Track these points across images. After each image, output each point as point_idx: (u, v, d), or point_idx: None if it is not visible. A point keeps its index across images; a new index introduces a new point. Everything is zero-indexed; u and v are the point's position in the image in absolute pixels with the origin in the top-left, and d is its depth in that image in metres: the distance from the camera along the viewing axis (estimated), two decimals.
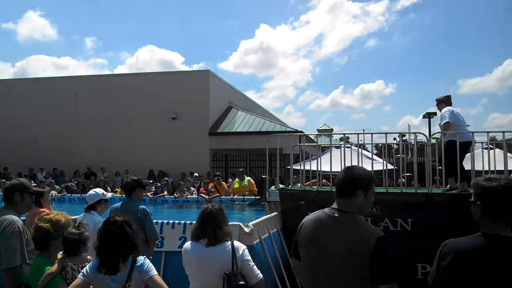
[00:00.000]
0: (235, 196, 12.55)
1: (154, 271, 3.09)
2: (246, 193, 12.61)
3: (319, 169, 8.45)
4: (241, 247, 3.51)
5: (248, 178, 13.55)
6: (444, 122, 7.76)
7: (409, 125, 27.43)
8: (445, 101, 8.14)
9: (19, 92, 23.34)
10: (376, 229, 2.54)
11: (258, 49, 74.70)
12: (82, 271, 3.07)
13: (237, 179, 13.50)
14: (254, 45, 74.45)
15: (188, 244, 3.57)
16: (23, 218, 4.86)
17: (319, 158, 8.57)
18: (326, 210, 2.66)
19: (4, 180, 15.87)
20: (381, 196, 7.43)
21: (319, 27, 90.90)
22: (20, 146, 22.38)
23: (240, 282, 3.31)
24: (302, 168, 8.84)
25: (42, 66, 55.54)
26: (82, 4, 66.49)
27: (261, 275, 3.48)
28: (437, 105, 8.32)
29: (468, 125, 8.76)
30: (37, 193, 5.75)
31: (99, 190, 5.49)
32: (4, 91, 23.67)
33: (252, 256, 3.60)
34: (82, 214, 5.22)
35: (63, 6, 65.60)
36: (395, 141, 18.71)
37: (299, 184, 9.28)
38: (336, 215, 2.59)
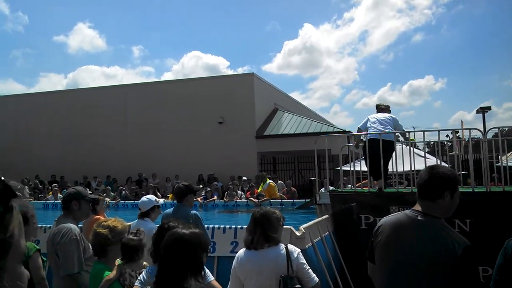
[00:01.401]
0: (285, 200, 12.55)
1: (211, 277, 3.12)
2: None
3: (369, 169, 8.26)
4: (295, 250, 3.47)
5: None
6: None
7: (462, 121, 26.45)
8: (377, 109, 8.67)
9: (71, 102, 24.25)
10: (462, 238, 2.39)
11: (302, 49, 74.22)
12: (139, 278, 3.10)
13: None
14: (298, 45, 74.06)
15: (241, 251, 3.56)
16: (80, 225, 5.02)
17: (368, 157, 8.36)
18: (408, 212, 2.54)
19: (56, 188, 16.54)
20: None
21: (363, 24, 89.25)
22: (75, 155, 23.20)
23: (297, 286, 3.26)
24: (351, 169, 8.67)
25: (92, 76, 57.80)
26: (128, 14, 68.64)
27: (317, 279, 3.42)
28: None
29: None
30: (93, 200, 5.95)
31: (151, 197, 5.57)
32: (58, 102, 24.67)
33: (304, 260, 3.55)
34: (136, 221, 5.31)
35: (111, 17, 68.03)
36: (447, 138, 18.07)
37: (349, 185, 9.13)
38: (419, 218, 2.46)
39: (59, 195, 15.84)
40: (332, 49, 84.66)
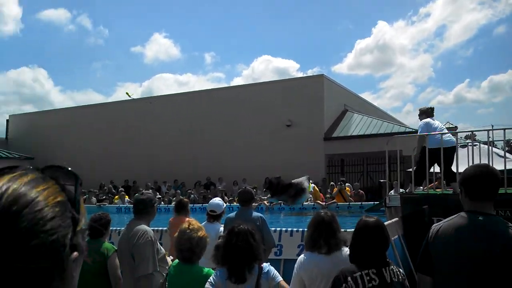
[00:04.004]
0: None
1: (280, 277, 3.14)
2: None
3: (443, 171, 7.92)
4: None
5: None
6: (420, 134, 8.14)
7: None
8: (426, 113, 8.35)
9: (145, 110, 25.24)
10: None
11: (374, 48, 71.68)
12: (209, 280, 3.13)
13: None
14: (370, 44, 71.64)
15: (303, 256, 3.53)
16: (158, 228, 5.19)
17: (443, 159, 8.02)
18: (465, 214, 2.44)
19: (123, 193, 17.23)
20: None
21: (440, 19, 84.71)
22: (146, 160, 24.06)
23: None
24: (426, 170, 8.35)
25: (166, 84, 59.88)
26: (201, 22, 70.31)
27: None
28: (419, 115, 8.51)
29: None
30: (182, 203, 6.12)
31: (220, 200, 5.70)
32: (132, 110, 25.79)
33: None
34: (204, 223, 5.44)
35: (185, 26, 70.05)
36: None
37: (421, 187, 8.79)
38: (480, 218, 2.37)
39: (126, 199, 16.59)
40: (406, 46, 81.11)
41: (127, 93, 24.53)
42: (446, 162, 7.60)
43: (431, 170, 8.43)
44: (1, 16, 59.34)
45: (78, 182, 0.80)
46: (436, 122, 8.20)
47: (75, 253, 0.76)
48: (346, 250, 3.37)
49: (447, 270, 2.43)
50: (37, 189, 0.72)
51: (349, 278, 2.73)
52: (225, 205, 5.60)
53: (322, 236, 3.40)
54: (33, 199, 0.70)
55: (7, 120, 30.93)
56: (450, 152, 7.70)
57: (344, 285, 2.72)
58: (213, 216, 5.37)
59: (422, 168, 7.91)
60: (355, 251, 2.92)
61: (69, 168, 0.81)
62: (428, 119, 8.19)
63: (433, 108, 8.53)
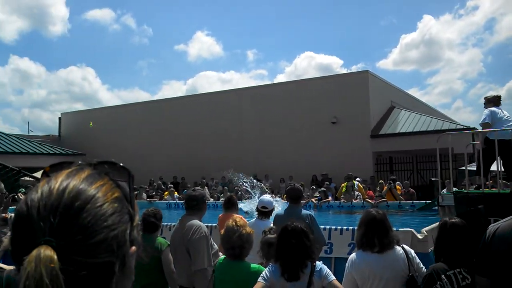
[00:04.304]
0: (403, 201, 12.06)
1: (332, 276, 3.13)
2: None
3: (499, 169, 7.63)
4: (410, 250, 3.41)
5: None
6: (483, 122, 7.74)
7: None
8: (493, 101, 7.92)
9: (191, 108, 25.58)
10: None
11: (420, 43, 69.31)
12: (262, 275, 3.16)
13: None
14: (416, 38, 69.40)
15: (354, 255, 3.49)
16: (208, 224, 5.29)
17: (498, 157, 7.72)
18: None
19: (172, 189, 17.49)
20: None
21: (489, 12, 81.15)
22: (194, 157, 24.35)
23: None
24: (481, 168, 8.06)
25: (209, 82, 60.41)
26: (243, 20, 70.59)
27: None
28: (484, 104, 8.10)
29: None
30: (231, 200, 6.21)
31: (271, 197, 5.73)
32: (178, 108, 26.24)
33: (426, 264, 3.42)
34: (254, 220, 5.47)
35: (226, 23, 70.59)
36: None
37: (474, 186, 8.48)
38: None
39: (175, 195, 16.90)
40: (454, 40, 77.98)
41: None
42: (508, 156, 7.28)
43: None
44: (50, 17, 61.89)
45: (130, 178, 0.81)
46: (502, 112, 7.82)
47: (133, 248, 0.78)
48: (398, 249, 3.32)
49: (506, 272, 2.34)
50: (95, 185, 0.73)
51: (442, 276, 2.85)
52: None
53: (374, 235, 3.34)
54: (94, 195, 0.72)
55: (59, 118, 32.10)
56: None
57: (438, 282, 2.81)
58: (264, 213, 5.39)
59: (485, 160, 7.57)
60: (443, 250, 3.10)
61: (121, 164, 0.82)
62: (494, 108, 7.79)
63: (500, 96, 8.09)
